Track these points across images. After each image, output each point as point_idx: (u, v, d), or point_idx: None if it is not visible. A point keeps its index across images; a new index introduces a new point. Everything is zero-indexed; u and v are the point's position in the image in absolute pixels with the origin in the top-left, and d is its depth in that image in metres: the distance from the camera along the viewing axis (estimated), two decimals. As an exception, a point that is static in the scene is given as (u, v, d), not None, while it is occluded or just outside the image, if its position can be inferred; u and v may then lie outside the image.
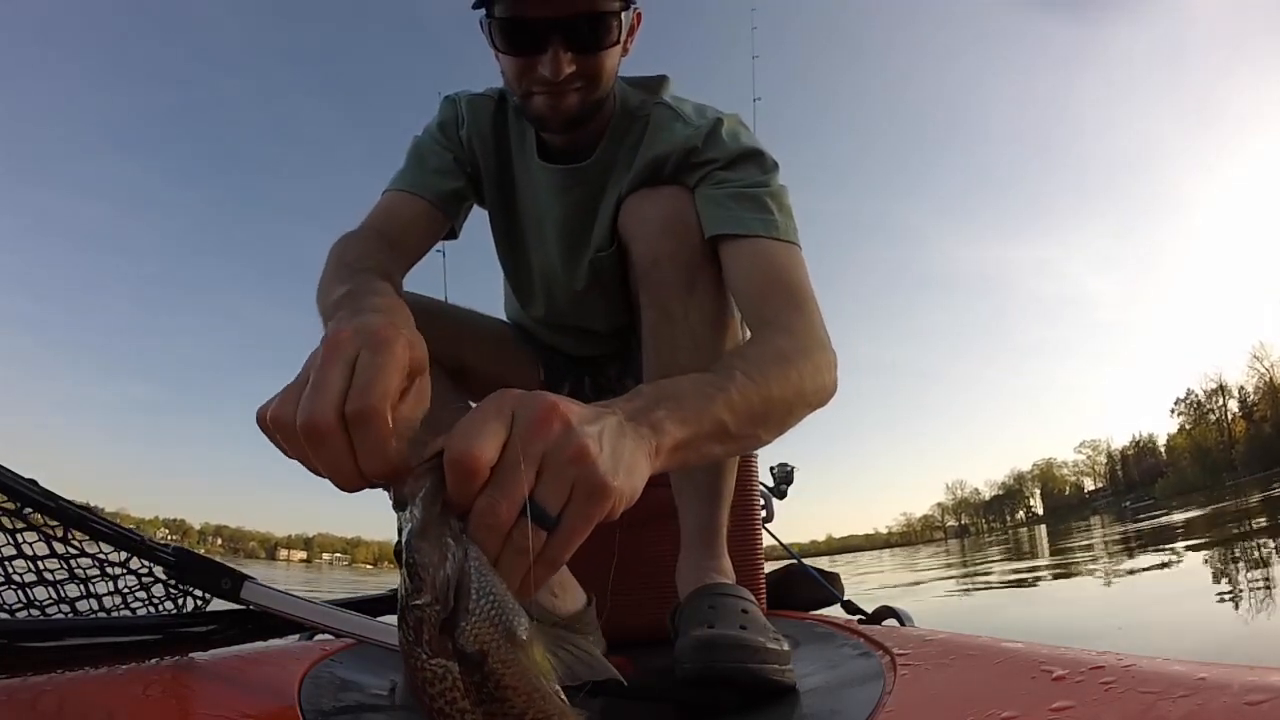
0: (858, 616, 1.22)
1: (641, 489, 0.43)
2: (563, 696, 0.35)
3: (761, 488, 1.52)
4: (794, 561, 1.45)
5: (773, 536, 1.55)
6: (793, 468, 1.67)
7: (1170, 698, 0.38)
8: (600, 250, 0.93)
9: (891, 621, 1.12)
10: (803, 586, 1.39)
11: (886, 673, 0.64)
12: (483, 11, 0.78)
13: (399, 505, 0.37)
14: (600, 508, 0.38)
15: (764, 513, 1.50)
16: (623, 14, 0.78)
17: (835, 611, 1.29)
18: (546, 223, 0.96)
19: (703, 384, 0.55)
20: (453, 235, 0.94)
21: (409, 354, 0.43)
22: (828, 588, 1.38)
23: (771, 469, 1.67)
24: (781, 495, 1.65)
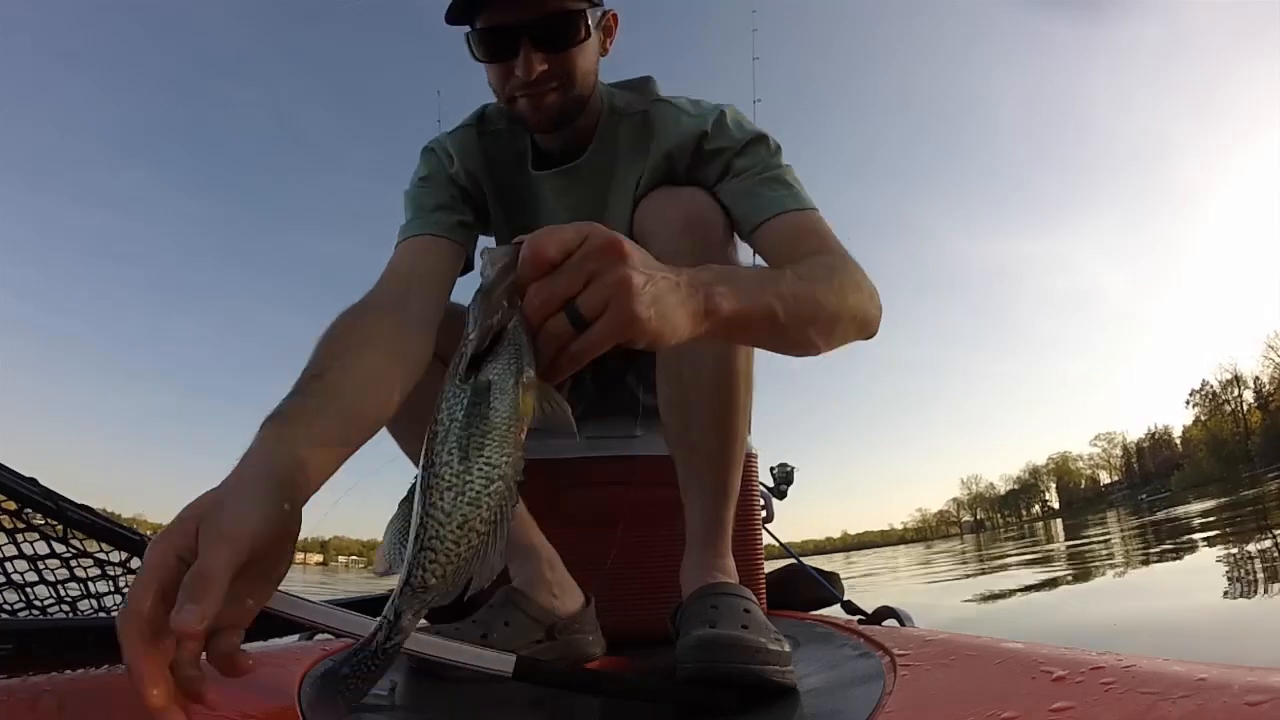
0: (858, 616, 1.22)
1: (675, 336, 0.51)
2: (524, 445, 0.44)
3: (761, 488, 1.52)
4: (794, 561, 1.45)
5: (773, 536, 1.55)
6: (793, 468, 1.67)
7: (1170, 698, 0.37)
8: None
9: (891, 622, 1.12)
10: (803, 586, 1.39)
11: (886, 673, 0.64)
12: (467, 28, 0.83)
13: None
14: (623, 328, 0.46)
15: (764, 513, 1.50)
16: (589, 12, 0.82)
17: (835, 611, 1.29)
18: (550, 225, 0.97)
19: (758, 273, 0.65)
20: (468, 268, 0.94)
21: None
22: (828, 587, 1.38)
23: (771, 469, 1.67)
24: (781, 495, 1.64)
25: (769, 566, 1.33)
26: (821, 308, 0.66)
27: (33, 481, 0.62)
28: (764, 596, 1.25)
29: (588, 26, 0.82)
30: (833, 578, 1.41)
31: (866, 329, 0.75)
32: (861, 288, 0.73)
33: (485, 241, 1.02)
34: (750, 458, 1.26)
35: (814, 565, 1.47)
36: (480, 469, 0.43)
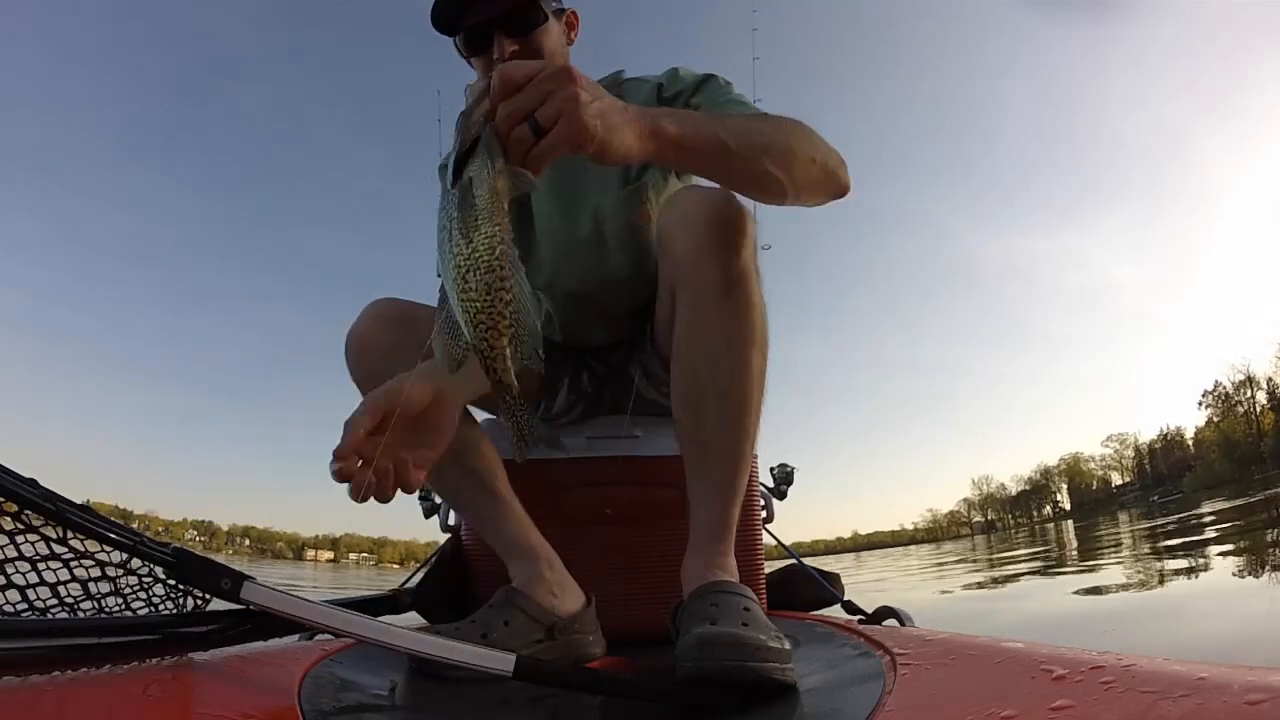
0: (858, 616, 1.22)
1: (623, 147, 0.61)
2: (508, 215, 0.54)
3: (761, 488, 1.52)
4: (794, 561, 1.45)
5: (773, 536, 1.55)
6: (793, 469, 1.67)
7: (1170, 698, 0.37)
8: (600, 194, 1.08)
9: (891, 621, 1.12)
10: (803, 586, 1.39)
11: (886, 672, 0.64)
12: (455, 37, 1.00)
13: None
14: (573, 134, 0.56)
15: (764, 513, 1.50)
16: (543, 1, 0.98)
17: (835, 611, 1.29)
18: (541, 188, 1.08)
19: (709, 114, 0.82)
20: None
21: (378, 409, 0.67)
22: (828, 588, 1.38)
23: (771, 469, 1.66)
24: (781, 496, 1.64)
25: (769, 567, 1.33)
26: (772, 141, 0.74)
27: (32, 483, 0.61)
28: (764, 596, 1.25)
29: (545, 13, 0.99)
30: (833, 578, 1.41)
31: (834, 181, 0.81)
32: (816, 141, 0.80)
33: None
34: (750, 458, 1.26)
35: (815, 565, 1.47)
36: (483, 241, 0.53)
